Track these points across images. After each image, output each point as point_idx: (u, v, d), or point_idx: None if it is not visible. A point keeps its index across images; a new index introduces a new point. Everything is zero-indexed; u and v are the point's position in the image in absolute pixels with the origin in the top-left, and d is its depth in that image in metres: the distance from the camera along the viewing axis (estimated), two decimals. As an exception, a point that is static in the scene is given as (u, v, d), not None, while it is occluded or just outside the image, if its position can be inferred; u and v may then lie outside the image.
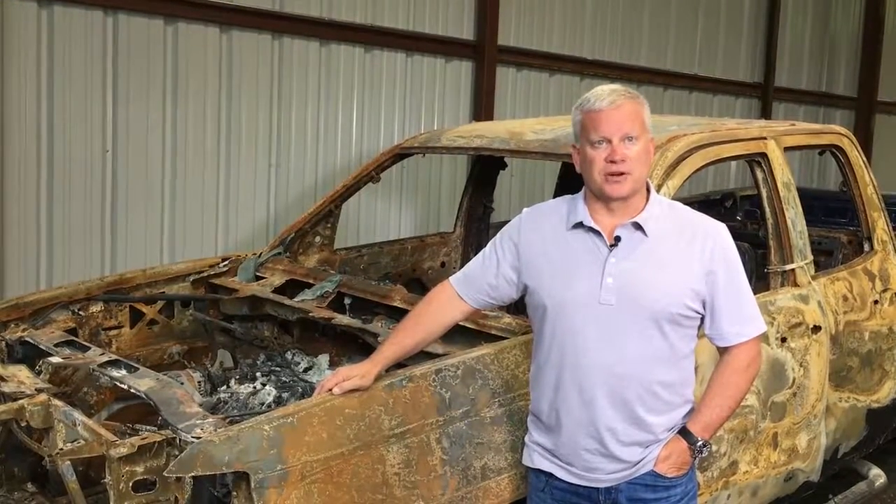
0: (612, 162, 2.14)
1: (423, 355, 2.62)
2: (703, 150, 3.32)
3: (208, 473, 2.13)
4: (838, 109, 11.09)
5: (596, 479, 2.25)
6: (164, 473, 2.21)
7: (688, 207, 2.34)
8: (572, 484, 2.28)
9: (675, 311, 2.17)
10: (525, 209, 2.41)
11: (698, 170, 3.31)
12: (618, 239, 2.20)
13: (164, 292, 3.81)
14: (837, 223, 5.32)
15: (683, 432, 2.26)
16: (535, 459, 2.35)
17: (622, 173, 2.14)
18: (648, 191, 2.27)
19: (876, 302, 3.88)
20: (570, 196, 2.34)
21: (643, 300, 2.15)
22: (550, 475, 2.31)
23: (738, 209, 5.87)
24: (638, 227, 2.21)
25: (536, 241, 2.30)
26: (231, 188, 5.77)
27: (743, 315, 2.26)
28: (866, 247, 4.10)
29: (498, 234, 2.42)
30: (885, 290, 3.96)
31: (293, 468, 2.15)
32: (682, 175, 3.19)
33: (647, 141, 2.20)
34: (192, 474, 2.14)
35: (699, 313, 2.23)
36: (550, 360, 2.25)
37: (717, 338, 2.28)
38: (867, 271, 3.92)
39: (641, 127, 2.18)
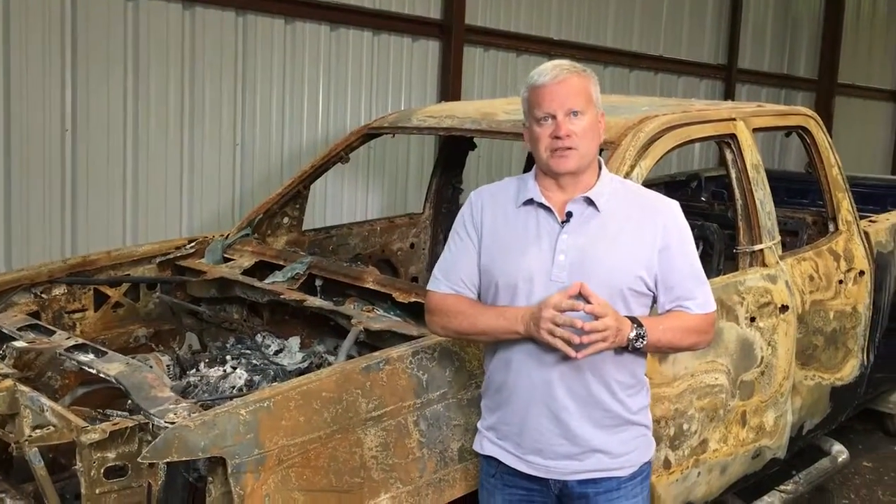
0: (557, 137, 2.11)
1: (399, 338, 2.60)
2: (674, 130, 3.33)
3: (184, 459, 2.10)
4: (800, 91, 11.24)
5: (544, 468, 2.19)
6: (139, 459, 2.16)
7: (640, 185, 2.29)
8: (521, 472, 2.22)
9: (626, 287, 2.14)
10: (472, 192, 2.33)
11: (670, 150, 3.32)
12: (569, 215, 2.17)
13: (129, 274, 3.74)
14: (801, 204, 5.39)
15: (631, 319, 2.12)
16: (486, 446, 2.29)
17: (568, 148, 2.11)
18: (600, 167, 2.24)
19: (840, 282, 3.94)
20: (518, 175, 2.32)
21: (595, 276, 2.09)
22: (500, 462, 2.25)
23: (704, 190, 5.91)
24: (590, 202, 2.17)
25: (488, 220, 2.24)
26: (195, 168, 5.66)
27: (696, 291, 2.21)
28: (831, 227, 4.14)
29: (455, 225, 2.30)
30: (849, 270, 4.02)
31: (270, 452, 2.12)
32: (654, 156, 3.20)
33: (595, 116, 2.16)
34: (168, 460, 2.10)
35: (651, 291, 2.19)
36: (502, 339, 2.18)
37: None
38: (832, 251, 3.97)
39: (587, 101, 2.14)
